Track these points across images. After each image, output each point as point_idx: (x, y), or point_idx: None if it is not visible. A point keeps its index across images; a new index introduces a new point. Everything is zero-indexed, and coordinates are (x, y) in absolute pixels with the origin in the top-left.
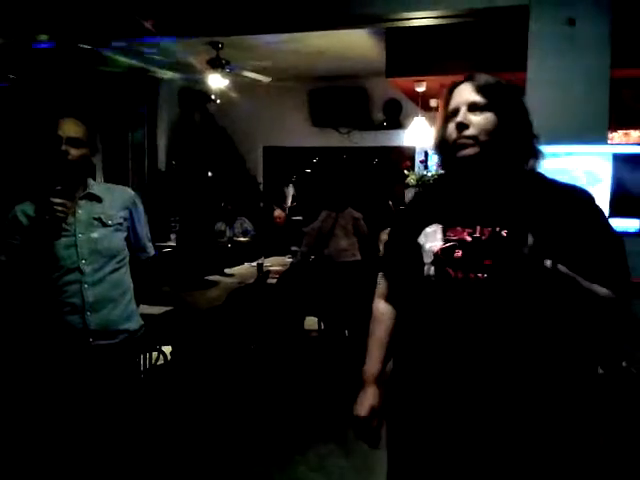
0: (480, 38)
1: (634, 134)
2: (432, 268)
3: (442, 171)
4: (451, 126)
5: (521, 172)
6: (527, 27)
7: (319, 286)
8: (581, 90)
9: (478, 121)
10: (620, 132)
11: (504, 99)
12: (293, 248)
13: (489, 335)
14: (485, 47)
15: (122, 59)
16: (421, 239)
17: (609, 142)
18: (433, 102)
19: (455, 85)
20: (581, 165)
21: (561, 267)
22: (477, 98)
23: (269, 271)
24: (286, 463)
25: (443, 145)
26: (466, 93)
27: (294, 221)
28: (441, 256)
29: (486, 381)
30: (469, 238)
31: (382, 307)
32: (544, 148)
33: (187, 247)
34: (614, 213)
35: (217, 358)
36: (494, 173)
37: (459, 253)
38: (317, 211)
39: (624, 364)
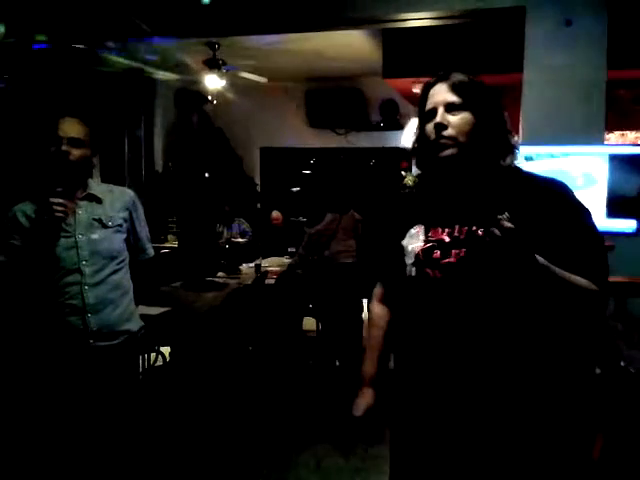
0: (477, 39)
1: (630, 135)
2: (413, 269)
3: (419, 171)
4: (429, 126)
5: (499, 169)
6: (524, 28)
7: (317, 287)
8: (577, 91)
9: (456, 121)
10: (617, 133)
11: (479, 97)
12: (291, 249)
13: (468, 333)
14: (482, 48)
15: (118, 60)
16: (405, 241)
17: (605, 143)
18: None
19: (430, 85)
20: (578, 166)
21: (539, 258)
22: (453, 98)
23: (267, 272)
24: (283, 463)
25: (421, 146)
26: (442, 93)
27: (293, 222)
28: (421, 257)
29: (467, 378)
30: (447, 238)
31: (377, 309)
32: (541, 149)
33: (190, 248)
34: (611, 214)
35: (215, 359)
36: (473, 172)
37: (437, 253)
38: (320, 212)
39: (622, 364)
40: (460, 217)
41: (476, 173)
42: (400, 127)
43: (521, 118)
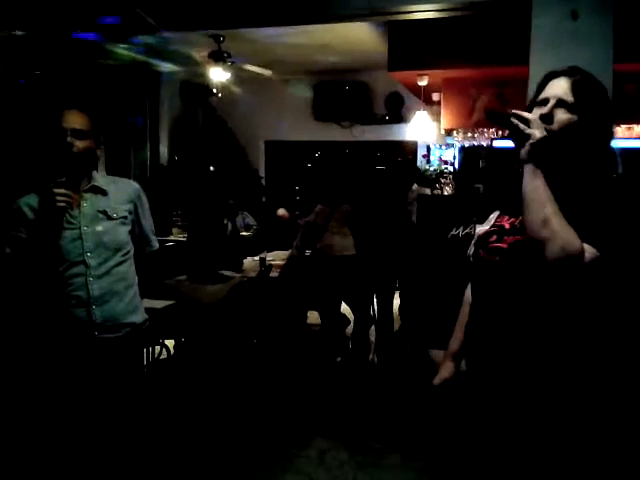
0: (483, 31)
1: (637, 128)
2: (472, 249)
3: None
4: (536, 114)
5: (587, 175)
6: (529, 20)
7: (314, 280)
8: None
9: (562, 120)
10: (623, 126)
11: (592, 103)
12: (295, 243)
13: (501, 315)
14: (488, 40)
15: (124, 52)
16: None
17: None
18: (435, 96)
19: (553, 74)
20: None
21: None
22: (569, 97)
23: (271, 265)
24: (287, 457)
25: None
26: (560, 88)
27: (298, 216)
28: (481, 239)
29: (504, 359)
30: (507, 225)
31: (468, 291)
32: None
33: (199, 241)
34: None
35: (220, 352)
36: (557, 170)
37: (494, 238)
38: (313, 205)
39: None
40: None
41: (560, 172)
42: (405, 120)
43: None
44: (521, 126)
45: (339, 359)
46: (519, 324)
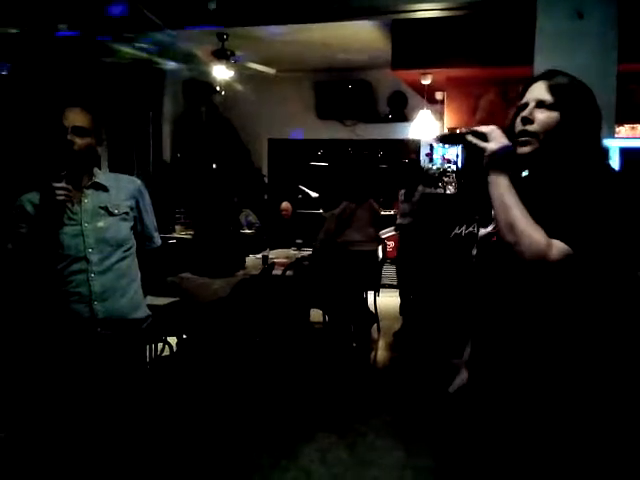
0: (487, 31)
1: None
2: (475, 250)
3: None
4: (518, 119)
5: (579, 168)
6: (534, 20)
7: (328, 276)
8: (588, 84)
9: (542, 118)
10: (627, 126)
11: (573, 100)
12: (298, 241)
13: (503, 315)
14: (492, 40)
15: (127, 50)
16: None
17: (616, 136)
18: (439, 95)
19: (531, 81)
20: None
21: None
22: (547, 97)
23: (274, 263)
24: (287, 455)
25: (510, 137)
26: (538, 90)
27: (300, 214)
28: (483, 240)
29: (506, 360)
30: None
31: None
32: None
33: (207, 237)
34: None
35: (222, 349)
36: (549, 170)
37: (495, 238)
38: (336, 200)
39: None
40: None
41: (552, 171)
42: (408, 119)
43: None
44: (474, 141)
45: (355, 345)
46: (519, 325)
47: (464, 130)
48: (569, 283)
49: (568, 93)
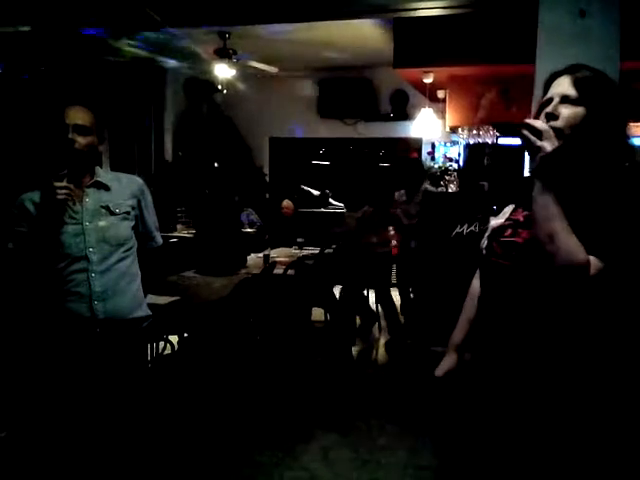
0: (489, 29)
1: None
2: (485, 242)
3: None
4: (542, 116)
5: (604, 165)
6: (536, 18)
7: (343, 273)
8: None
9: (566, 114)
10: (631, 124)
11: (598, 94)
12: (300, 240)
13: (510, 313)
14: (494, 38)
15: (129, 48)
16: (497, 217)
17: None
18: (440, 93)
19: (555, 75)
20: None
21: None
22: (571, 92)
23: (275, 262)
24: (290, 454)
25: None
26: (562, 85)
27: (301, 213)
28: (495, 232)
29: (510, 355)
30: (522, 218)
31: (475, 282)
32: None
33: (209, 237)
34: None
35: (223, 348)
36: (574, 168)
37: (509, 232)
38: (359, 203)
39: None
40: None
41: (577, 169)
42: (410, 118)
43: (533, 109)
44: (532, 138)
45: (343, 353)
46: (527, 323)
47: (523, 121)
48: (592, 290)
49: (593, 87)
